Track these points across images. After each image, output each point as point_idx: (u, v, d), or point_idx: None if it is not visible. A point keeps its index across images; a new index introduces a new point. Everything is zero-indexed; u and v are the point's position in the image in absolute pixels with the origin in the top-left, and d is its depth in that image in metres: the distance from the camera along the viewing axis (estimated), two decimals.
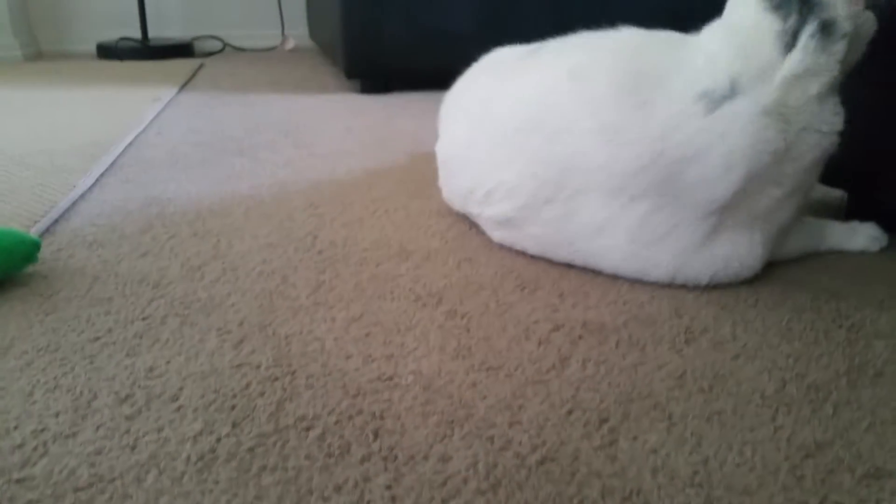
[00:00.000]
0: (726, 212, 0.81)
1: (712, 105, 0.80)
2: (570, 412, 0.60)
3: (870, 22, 0.83)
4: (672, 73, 0.83)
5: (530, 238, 0.91)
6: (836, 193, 1.09)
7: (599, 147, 0.83)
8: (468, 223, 1.03)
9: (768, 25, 0.81)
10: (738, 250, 0.83)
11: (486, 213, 0.95)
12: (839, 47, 0.80)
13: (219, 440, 0.56)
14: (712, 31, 0.86)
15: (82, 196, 1.15)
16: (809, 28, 0.79)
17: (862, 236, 0.96)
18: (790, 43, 0.80)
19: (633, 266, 0.85)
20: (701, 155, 0.80)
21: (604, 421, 0.59)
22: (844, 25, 0.79)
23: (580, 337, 0.73)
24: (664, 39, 0.89)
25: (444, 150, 1.05)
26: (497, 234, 0.96)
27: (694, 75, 0.82)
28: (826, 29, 0.79)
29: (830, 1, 0.80)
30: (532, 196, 0.88)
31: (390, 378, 0.65)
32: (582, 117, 0.85)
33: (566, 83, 0.88)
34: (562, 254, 0.89)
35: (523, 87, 0.92)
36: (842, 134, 0.82)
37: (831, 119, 0.81)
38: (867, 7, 0.82)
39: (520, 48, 1.04)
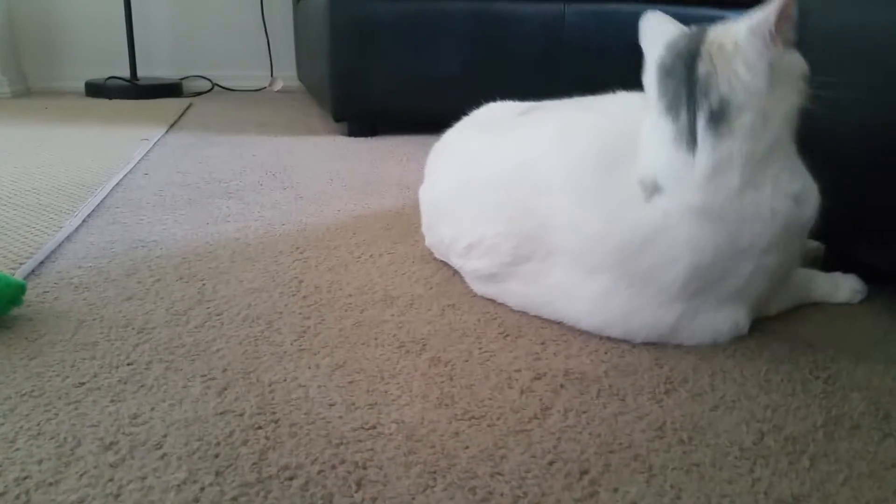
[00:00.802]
0: (693, 298, 0.80)
1: (647, 194, 0.78)
2: (551, 463, 0.61)
3: (793, 64, 0.77)
4: (638, 144, 0.82)
5: (511, 295, 0.92)
6: (814, 244, 1.11)
7: (571, 207, 0.83)
8: (452, 269, 1.04)
9: (663, 130, 0.78)
10: (722, 328, 0.82)
11: (469, 266, 0.96)
12: (743, 123, 0.74)
13: (202, 489, 0.56)
14: (646, 120, 0.82)
15: (69, 237, 1.15)
16: (700, 120, 0.75)
17: (845, 289, 0.97)
18: (691, 141, 0.76)
19: (613, 334, 0.84)
20: (648, 244, 0.78)
21: (584, 472, 0.60)
22: (739, 98, 0.74)
23: (562, 386, 0.74)
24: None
25: (430, 196, 1.06)
26: (479, 288, 0.96)
27: (641, 155, 0.81)
28: (718, 113, 0.74)
29: (717, 76, 0.75)
30: (511, 254, 0.88)
31: (373, 427, 0.66)
32: (561, 175, 0.85)
33: (551, 140, 0.88)
34: (542, 313, 0.89)
35: (512, 143, 0.93)
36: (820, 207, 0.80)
37: (772, 204, 0.76)
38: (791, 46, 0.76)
39: (514, 105, 1.06)
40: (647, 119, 0.82)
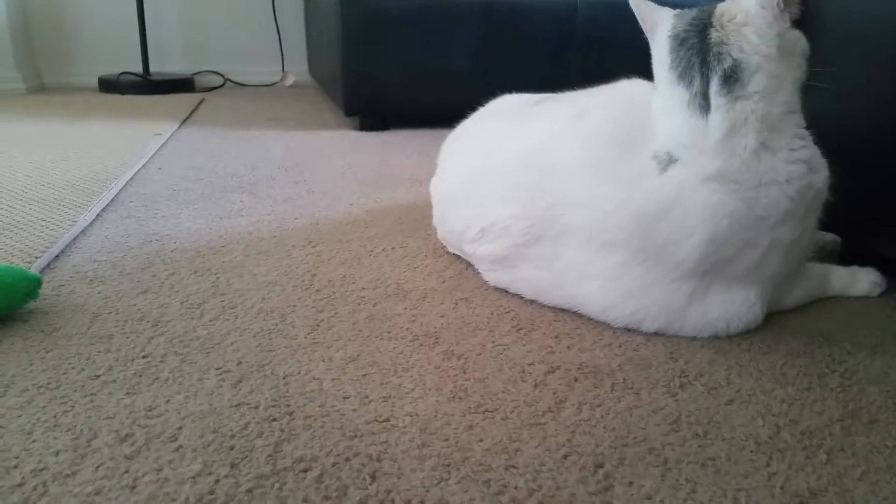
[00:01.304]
0: (706, 275, 0.80)
1: (661, 167, 0.79)
2: (565, 456, 0.61)
3: (798, 40, 0.80)
4: (649, 124, 0.83)
5: (523, 281, 0.92)
6: (830, 237, 1.10)
7: (584, 184, 0.84)
8: (464, 263, 1.04)
9: (678, 98, 0.79)
10: (736, 310, 0.82)
11: (481, 251, 0.96)
12: (756, 85, 0.76)
13: (217, 481, 0.57)
14: (655, 96, 0.85)
15: (83, 231, 1.16)
16: (714, 85, 0.77)
17: (863, 282, 0.96)
18: (705, 106, 0.77)
19: (620, 318, 0.84)
20: (663, 214, 0.78)
21: (599, 466, 0.60)
22: (752, 61, 0.76)
23: (576, 379, 0.73)
24: None
25: (442, 187, 1.06)
26: (492, 276, 0.96)
27: (652, 133, 0.82)
28: (731, 77, 0.76)
29: (729, 44, 0.77)
30: (524, 234, 0.88)
31: (387, 420, 0.66)
32: (575, 153, 0.85)
33: (564, 123, 0.89)
34: (554, 299, 0.90)
35: (526, 130, 0.93)
36: (831, 184, 0.80)
37: (787, 169, 0.77)
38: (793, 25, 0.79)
39: (527, 96, 1.06)
40: (657, 95, 0.84)
